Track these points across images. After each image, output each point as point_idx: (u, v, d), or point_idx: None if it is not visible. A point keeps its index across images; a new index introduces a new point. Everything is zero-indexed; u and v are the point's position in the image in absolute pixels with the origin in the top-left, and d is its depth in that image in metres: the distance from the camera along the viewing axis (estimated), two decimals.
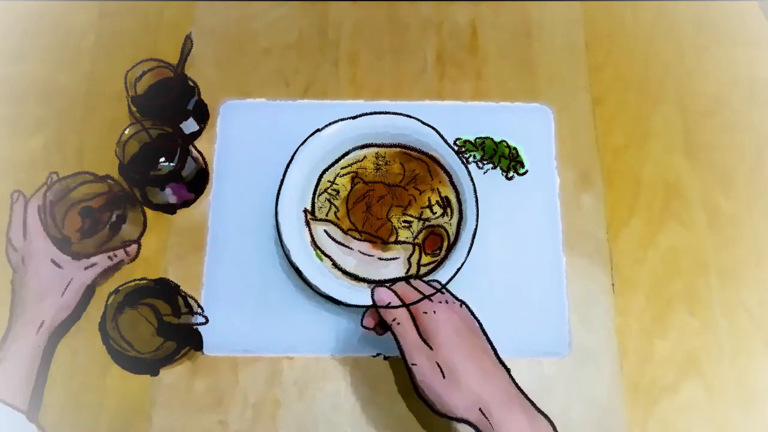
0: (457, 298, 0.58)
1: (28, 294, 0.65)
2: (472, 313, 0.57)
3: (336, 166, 0.73)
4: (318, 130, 0.70)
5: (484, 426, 0.51)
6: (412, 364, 0.54)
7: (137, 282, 0.65)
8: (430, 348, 0.53)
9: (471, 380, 0.52)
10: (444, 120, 0.71)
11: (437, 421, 0.66)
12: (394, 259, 0.70)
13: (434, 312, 0.55)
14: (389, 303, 0.56)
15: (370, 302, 0.66)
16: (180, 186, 0.71)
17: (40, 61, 0.79)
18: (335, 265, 0.69)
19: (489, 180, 0.74)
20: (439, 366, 0.53)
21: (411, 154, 0.73)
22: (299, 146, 0.70)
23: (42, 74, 0.78)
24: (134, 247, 0.71)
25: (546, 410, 0.57)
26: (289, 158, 0.69)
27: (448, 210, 0.71)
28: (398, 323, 0.55)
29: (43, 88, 0.78)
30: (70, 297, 0.66)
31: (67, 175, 0.67)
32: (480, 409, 0.52)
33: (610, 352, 0.69)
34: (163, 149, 0.70)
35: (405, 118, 0.71)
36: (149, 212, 0.73)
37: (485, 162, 0.75)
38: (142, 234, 0.72)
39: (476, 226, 0.67)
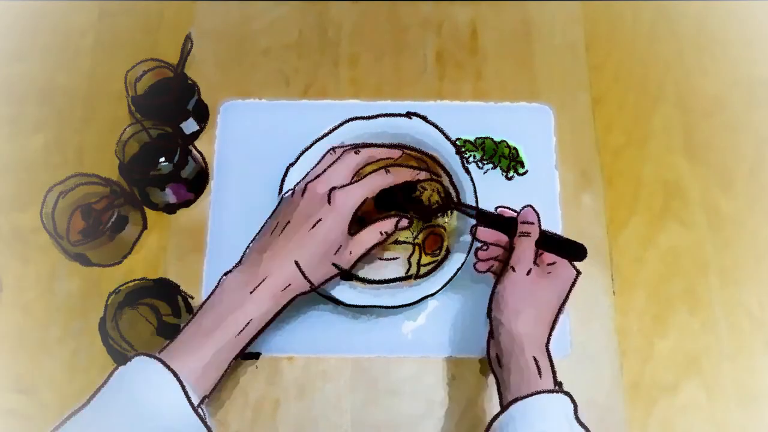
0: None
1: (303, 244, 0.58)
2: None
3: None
4: (326, 134, 0.70)
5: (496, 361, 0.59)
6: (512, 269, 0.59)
7: (137, 282, 0.65)
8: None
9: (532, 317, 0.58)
10: (444, 120, 0.71)
11: (437, 420, 0.66)
12: (394, 259, 0.70)
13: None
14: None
15: (369, 302, 0.66)
16: (180, 186, 0.71)
17: (40, 61, 0.79)
18: (335, 264, 0.69)
19: (489, 180, 0.74)
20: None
21: (411, 154, 0.72)
22: (304, 150, 0.69)
23: (42, 74, 0.78)
24: (404, 221, 0.65)
25: None
26: (293, 160, 0.69)
27: (448, 210, 0.71)
28: (528, 234, 0.61)
29: (43, 88, 0.78)
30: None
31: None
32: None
33: (610, 352, 0.69)
34: (163, 149, 0.70)
35: (405, 118, 0.71)
36: (149, 212, 0.73)
37: (485, 162, 0.75)
38: (141, 234, 0.72)
39: (476, 226, 0.67)
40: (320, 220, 0.59)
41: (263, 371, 0.68)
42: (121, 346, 0.63)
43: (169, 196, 0.71)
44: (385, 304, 0.66)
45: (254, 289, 0.57)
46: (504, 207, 0.65)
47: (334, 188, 0.60)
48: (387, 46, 0.80)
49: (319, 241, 0.59)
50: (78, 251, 0.69)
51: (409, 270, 0.69)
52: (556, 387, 0.55)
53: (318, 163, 0.66)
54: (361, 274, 0.69)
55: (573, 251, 0.61)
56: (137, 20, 0.81)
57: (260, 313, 0.57)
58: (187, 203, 0.73)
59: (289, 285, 0.58)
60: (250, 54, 0.80)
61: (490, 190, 0.72)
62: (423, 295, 0.66)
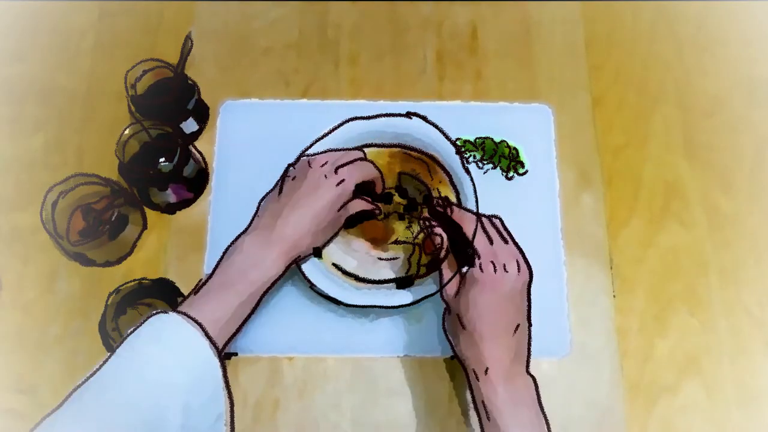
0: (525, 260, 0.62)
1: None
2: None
3: None
4: (326, 134, 0.70)
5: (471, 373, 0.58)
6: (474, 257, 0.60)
7: (137, 282, 0.65)
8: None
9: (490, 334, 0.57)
10: (444, 120, 0.71)
11: (437, 420, 0.66)
12: (394, 259, 0.70)
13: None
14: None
15: (369, 302, 0.66)
16: (180, 186, 0.71)
17: (40, 61, 0.79)
18: (335, 265, 0.69)
19: (489, 180, 0.74)
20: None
21: (411, 154, 0.72)
22: (304, 150, 0.69)
23: (42, 74, 0.78)
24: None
25: (546, 410, 0.57)
26: (293, 160, 0.69)
27: (448, 210, 0.71)
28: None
29: (43, 88, 0.78)
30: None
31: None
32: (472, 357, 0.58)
33: (610, 352, 0.69)
34: (163, 149, 0.70)
35: (405, 118, 0.71)
36: (149, 212, 0.73)
37: (485, 162, 0.75)
38: (141, 234, 0.72)
39: (476, 226, 0.67)
40: (326, 190, 0.63)
41: (263, 371, 0.68)
42: None
43: (169, 196, 0.71)
44: (385, 304, 0.66)
45: (271, 251, 0.61)
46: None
47: (340, 165, 0.65)
48: (387, 46, 0.80)
49: (326, 210, 0.64)
50: (78, 251, 0.69)
51: (409, 270, 0.69)
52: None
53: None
54: (361, 274, 0.69)
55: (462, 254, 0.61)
56: (137, 20, 0.81)
57: (275, 272, 0.61)
58: (187, 203, 0.73)
59: (299, 248, 0.63)
60: (250, 54, 0.80)
61: (490, 190, 0.72)
62: (423, 295, 0.66)
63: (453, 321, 0.61)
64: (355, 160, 0.67)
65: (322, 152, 0.68)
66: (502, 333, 0.58)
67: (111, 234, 0.67)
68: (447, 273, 0.62)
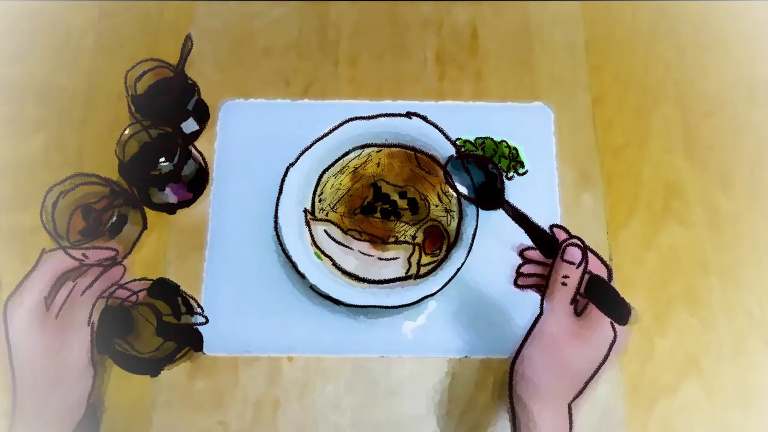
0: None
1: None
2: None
3: (336, 165, 0.72)
4: (326, 134, 0.70)
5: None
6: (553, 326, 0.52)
7: (137, 282, 0.65)
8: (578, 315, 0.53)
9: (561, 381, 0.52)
10: (444, 120, 0.71)
11: (437, 420, 0.66)
12: (394, 259, 0.70)
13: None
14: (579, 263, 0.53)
15: (369, 302, 0.66)
16: (180, 186, 0.71)
17: (40, 61, 0.79)
18: (335, 265, 0.69)
19: None
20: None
21: (411, 154, 0.72)
22: (304, 150, 0.69)
23: (42, 74, 0.78)
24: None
25: None
26: (292, 160, 0.69)
27: (449, 210, 0.71)
28: (565, 284, 0.52)
29: (43, 88, 0.78)
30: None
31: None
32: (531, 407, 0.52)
33: None
34: (163, 149, 0.70)
35: (405, 118, 0.71)
36: (149, 212, 0.73)
37: None
38: (141, 234, 0.72)
39: (476, 226, 0.67)
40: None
41: (263, 371, 0.68)
42: (121, 346, 0.63)
43: (169, 196, 0.71)
44: (385, 304, 0.66)
45: None
46: (560, 228, 0.57)
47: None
48: (387, 46, 0.80)
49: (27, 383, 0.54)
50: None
51: (409, 270, 0.69)
52: None
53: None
54: (362, 274, 0.69)
55: (616, 310, 0.52)
56: (137, 20, 0.81)
57: None
58: (187, 203, 0.73)
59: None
60: (250, 54, 0.80)
61: None
62: (423, 295, 0.66)
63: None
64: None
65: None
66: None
67: (111, 234, 0.67)
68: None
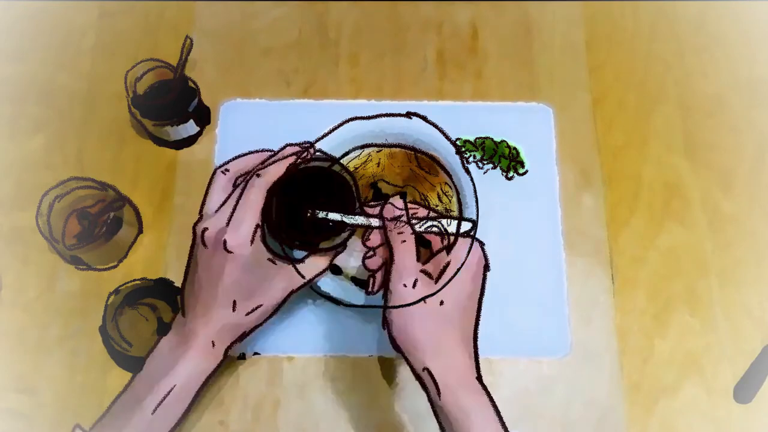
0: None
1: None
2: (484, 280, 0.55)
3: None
4: (326, 134, 0.70)
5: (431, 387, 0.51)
6: (403, 285, 0.52)
7: (137, 282, 0.65)
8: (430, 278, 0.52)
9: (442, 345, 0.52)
10: (444, 120, 0.71)
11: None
12: None
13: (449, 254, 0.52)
14: (401, 215, 0.52)
15: (369, 302, 0.66)
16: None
17: (40, 61, 0.79)
18: (335, 265, 0.69)
19: (489, 180, 0.74)
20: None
21: (411, 154, 0.72)
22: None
23: (42, 74, 0.78)
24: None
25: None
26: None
27: (449, 210, 0.71)
28: (404, 241, 0.52)
29: (43, 88, 0.78)
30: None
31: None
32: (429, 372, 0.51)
33: (610, 352, 0.69)
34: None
35: (405, 118, 0.71)
36: (146, 206, 0.73)
37: (485, 162, 0.75)
38: (137, 237, 0.72)
39: (476, 226, 0.67)
40: (224, 268, 0.53)
41: (263, 371, 0.68)
42: (121, 346, 0.63)
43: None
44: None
45: (184, 349, 0.54)
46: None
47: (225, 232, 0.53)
48: (387, 46, 0.80)
49: (231, 290, 0.54)
50: (74, 255, 0.69)
51: None
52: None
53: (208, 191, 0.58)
54: (361, 274, 0.69)
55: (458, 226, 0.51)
56: (137, 20, 0.81)
57: (195, 373, 0.54)
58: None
59: (218, 338, 0.55)
60: (250, 54, 0.80)
61: (490, 190, 0.72)
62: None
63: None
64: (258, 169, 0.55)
65: (217, 210, 0.55)
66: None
67: (107, 237, 0.67)
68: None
